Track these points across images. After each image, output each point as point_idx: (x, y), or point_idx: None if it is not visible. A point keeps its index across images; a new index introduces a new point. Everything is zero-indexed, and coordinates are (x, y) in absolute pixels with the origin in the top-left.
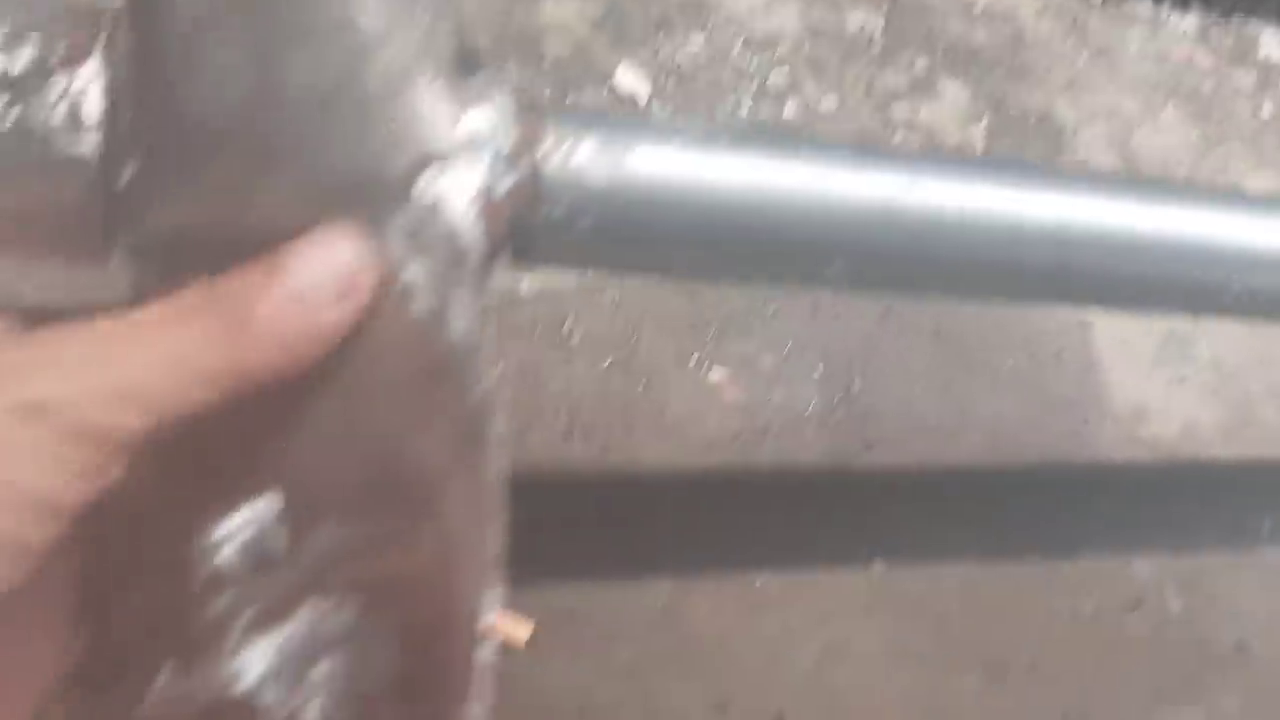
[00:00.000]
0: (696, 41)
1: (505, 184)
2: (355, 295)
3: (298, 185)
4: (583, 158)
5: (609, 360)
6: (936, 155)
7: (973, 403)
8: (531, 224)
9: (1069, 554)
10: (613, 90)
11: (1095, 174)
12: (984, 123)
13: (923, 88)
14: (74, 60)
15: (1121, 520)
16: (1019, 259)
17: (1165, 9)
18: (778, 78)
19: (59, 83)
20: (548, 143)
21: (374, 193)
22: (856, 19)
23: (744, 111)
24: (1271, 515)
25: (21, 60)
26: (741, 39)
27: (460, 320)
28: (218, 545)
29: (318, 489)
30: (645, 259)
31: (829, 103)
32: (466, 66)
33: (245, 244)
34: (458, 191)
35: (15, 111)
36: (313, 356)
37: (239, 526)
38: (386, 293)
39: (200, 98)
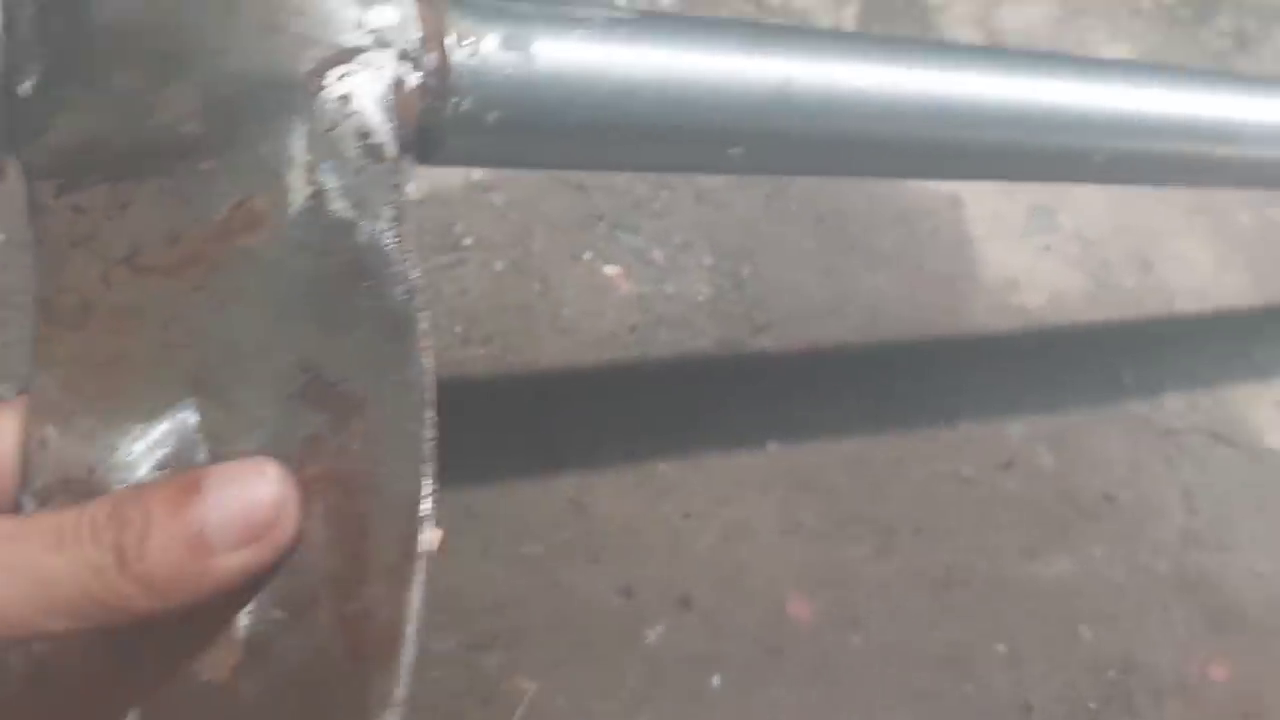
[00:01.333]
0: None
1: (414, 79)
2: (265, 542)
3: (202, 89)
4: (488, 50)
5: (502, 263)
6: (824, 34)
7: (854, 281)
8: (439, 119)
9: (949, 421)
10: None
11: (971, 47)
12: (854, 7)
13: None
14: None
15: (995, 386)
16: (907, 133)
17: None
18: None
19: None
20: (452, 36)
21: (280, 93)
22: None
23: (621, 1)
24: (1131, 368)
25: None
26: None
27: (377, 219)
28: (134, 461)
29: (238, 397)
30: (552, 152)
31: None
32: None
33: (146, 154)
34: (366, 87)
35: None
36: (194, 601)
37: (157, 439)
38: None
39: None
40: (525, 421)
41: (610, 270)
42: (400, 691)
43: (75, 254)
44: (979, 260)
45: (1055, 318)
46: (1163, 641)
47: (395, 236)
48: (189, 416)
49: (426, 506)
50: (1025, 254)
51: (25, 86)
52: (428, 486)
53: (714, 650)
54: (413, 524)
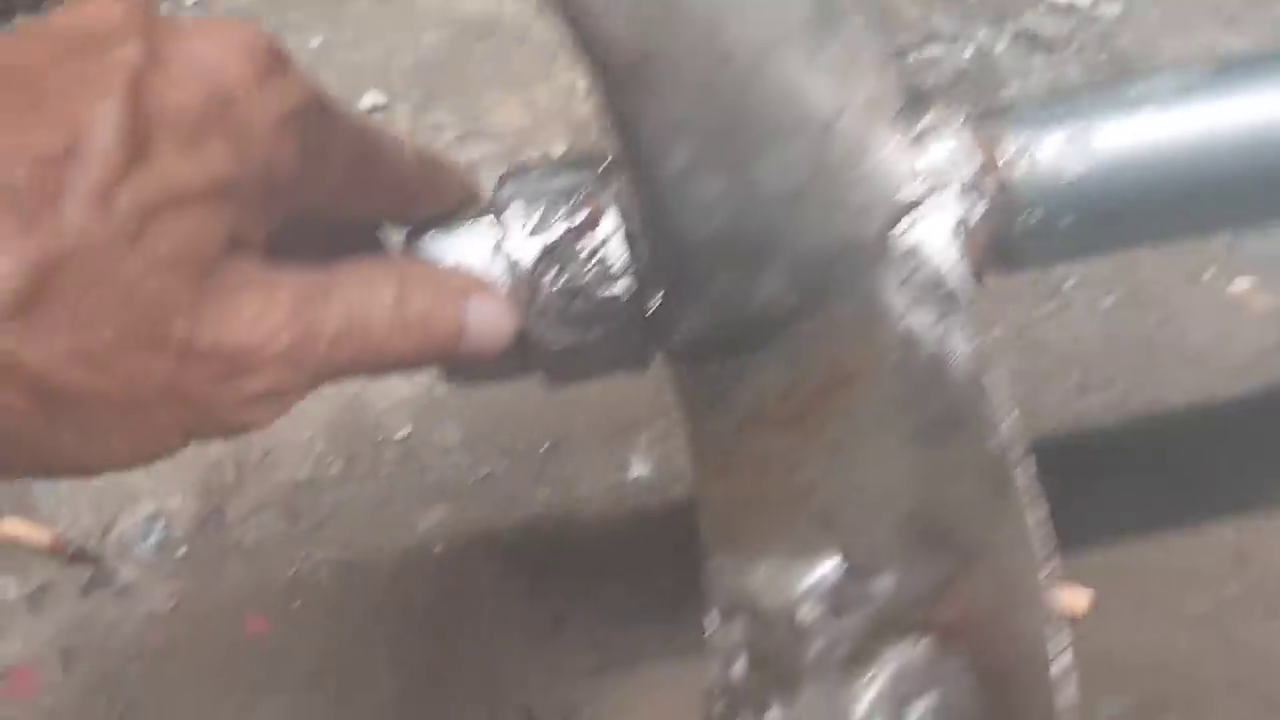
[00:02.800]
0: None
1: (978, 209)
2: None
3: (787, 271)
4: (1047, 156)
5: (1111, 298)
6: None
7: None
8: (1010, 237)
9: None
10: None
11: None
12: None
13: None
14: (592, 222)
15: None
16: None
17: None
18: None
19: (586, 244)
20: (1009, 153)
21: (855, 259)
22: None
23: None
24: None
25: (555, 233)
26: None
27: (964, 360)
28: (800, 600)
29: (866, 537)
30: (1129, 236)
31: None
32: (916, 104)
33: (754, 330)
34: (933, 234)
35: (563, 278)
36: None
37: (815, 582)
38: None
39: (694, 226)
40: (1164, 468)
41: (1239, 286)
42: None
43: (712, 413)
44: None
45: None
46: None
47: (984, 375)
48: (833, 558)
49: (1063, 662)
50: None
51: (653, 304)
52: (1059, 643)
53: None
54: (1047, 681)
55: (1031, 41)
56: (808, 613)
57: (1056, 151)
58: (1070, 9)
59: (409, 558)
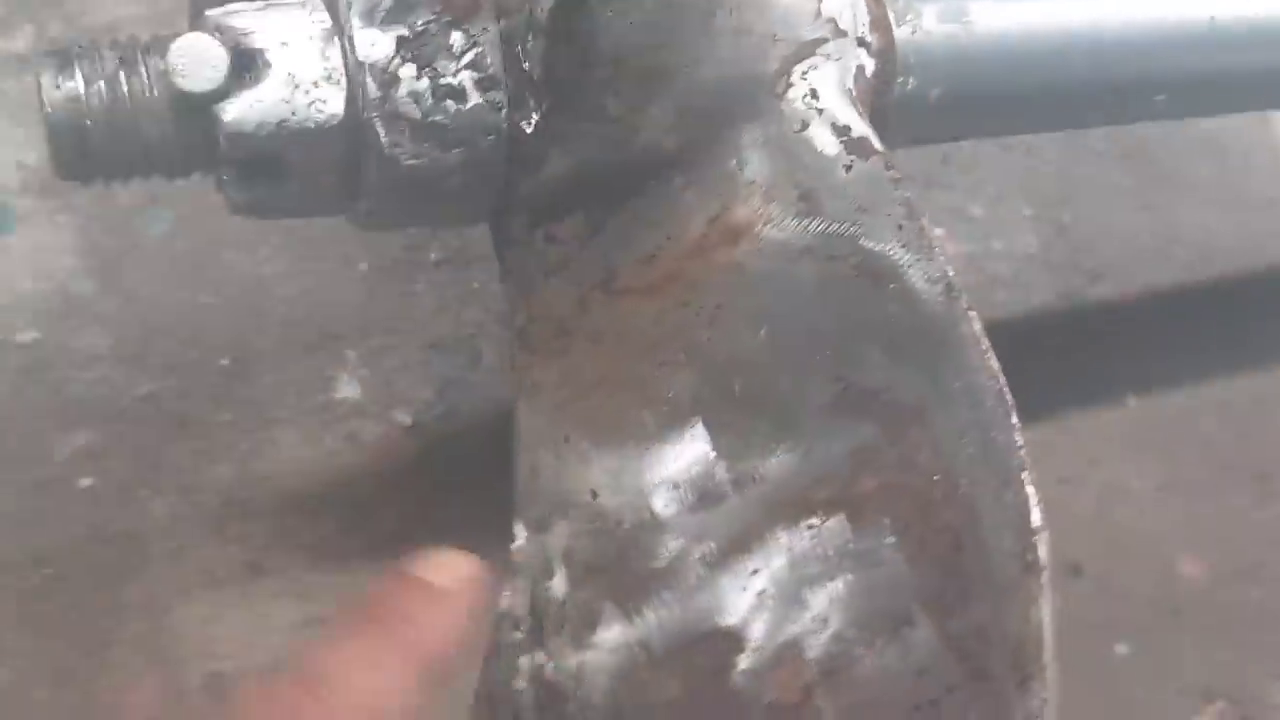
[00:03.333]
0: None
1: (870, 65)
2: None
3: (680, 103)
4: (929, 25)
5: None
6: None
7: (1176, 216)
8: (885, 103)
9: None
10: None
11: None
12: None
13: None
14: (467, 12)
15: None
16: None
17: None
18: None
19: (455, 41)
20: (891, 13)
21: (749, 97)
22: None
23: None
24: None
25: (417, 22)
26: None
27: (887, 216)
28: (654, 491)
29: (755, 414)
30: (988, 122)
31: None
32: None
33: (624, 177)
34: (832, 80)
35: (423, 79)
36: None
37: (669, 463)
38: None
39: (610, 28)
40: None
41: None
42: (1050, 712)
43: (550, 283)
44: None
45: None
46: None
47: (914, 231)
48: (699, 438)
49: (1037, 517)
50: None
51: (529, 123)
52: (1033, 496)
53: (1113, 616)
54: (1025, 536)
55: None
56: (665, 506)
57: (935, 21)
58: None
59: (46, 494)
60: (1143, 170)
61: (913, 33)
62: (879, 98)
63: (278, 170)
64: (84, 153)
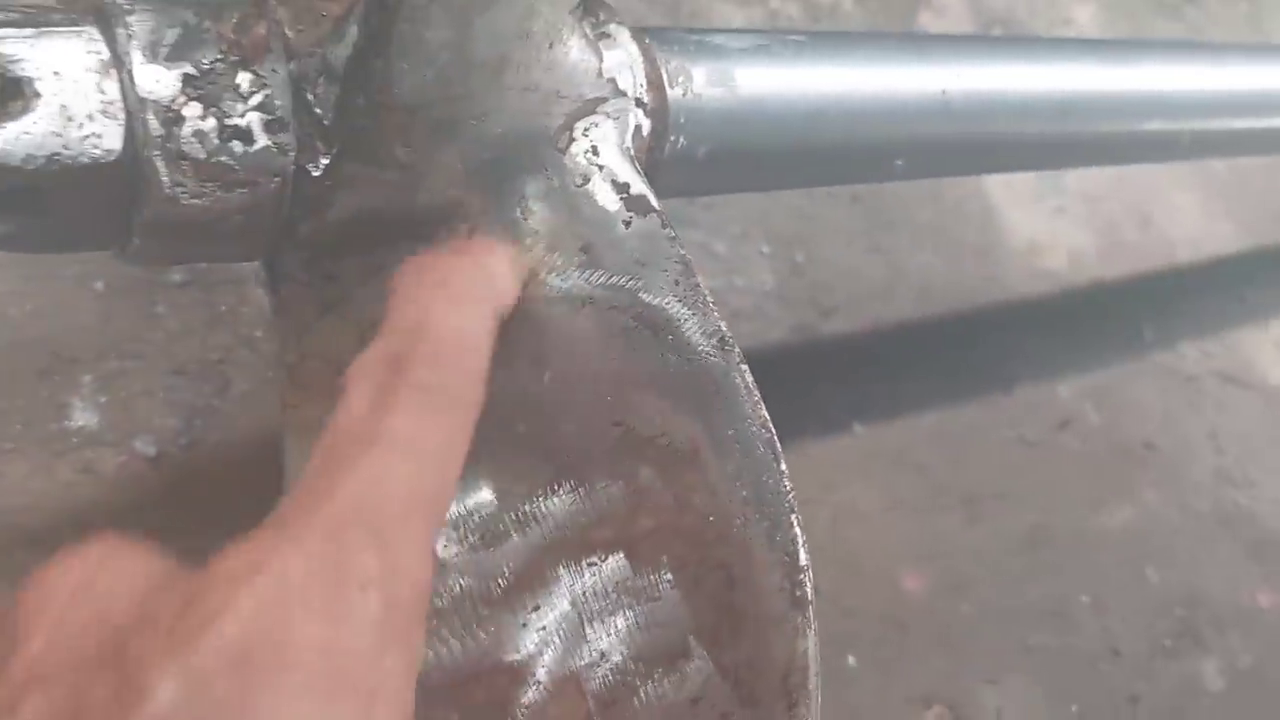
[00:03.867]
0: None
1: (646, 124)
2: None
3: (466, 154)
4: (698, 88)
5: None
6: (961, 41)
7: (900, 257)
8: (657, 160)
9: (1006, 387)
10: None
11: (1084, 41)
12: None
13: None
14: (256, 53)
15: (1039, 349)
16: (1045, 129)
17: None
18: None
19: (243, 81)
20: (665, 76)
21: (532, 151)
22: None
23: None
24: (1149, 321)
25: (202, 60)
26: None
27: (663, 271)
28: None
29: (537, 454)
30: (748, 179)
31: None
32: (586, 5)
33: (409, 223)
34: (612, 138)
35: (209, 119)
36: None
37: (460, 514)
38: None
39: (407, 75)
40: None
41: None
42: None
43: (325, 321)
44: (1004, 228)
45: (1076, 277)
46: (1215, 576)
47: (690, 287)
48: (482, 477)
49: (804, 556)
50: (1042, 217)
51: (316, 165)
52: (799, 535)
53: (844, 630)
54: (794, 573)
55: None
56: (445, 547)
57: (704, 83)
58: None
59: None
60: (871, 214)
61: (684, 94)
62: (652, 154)
63: (39, 204)
64: None
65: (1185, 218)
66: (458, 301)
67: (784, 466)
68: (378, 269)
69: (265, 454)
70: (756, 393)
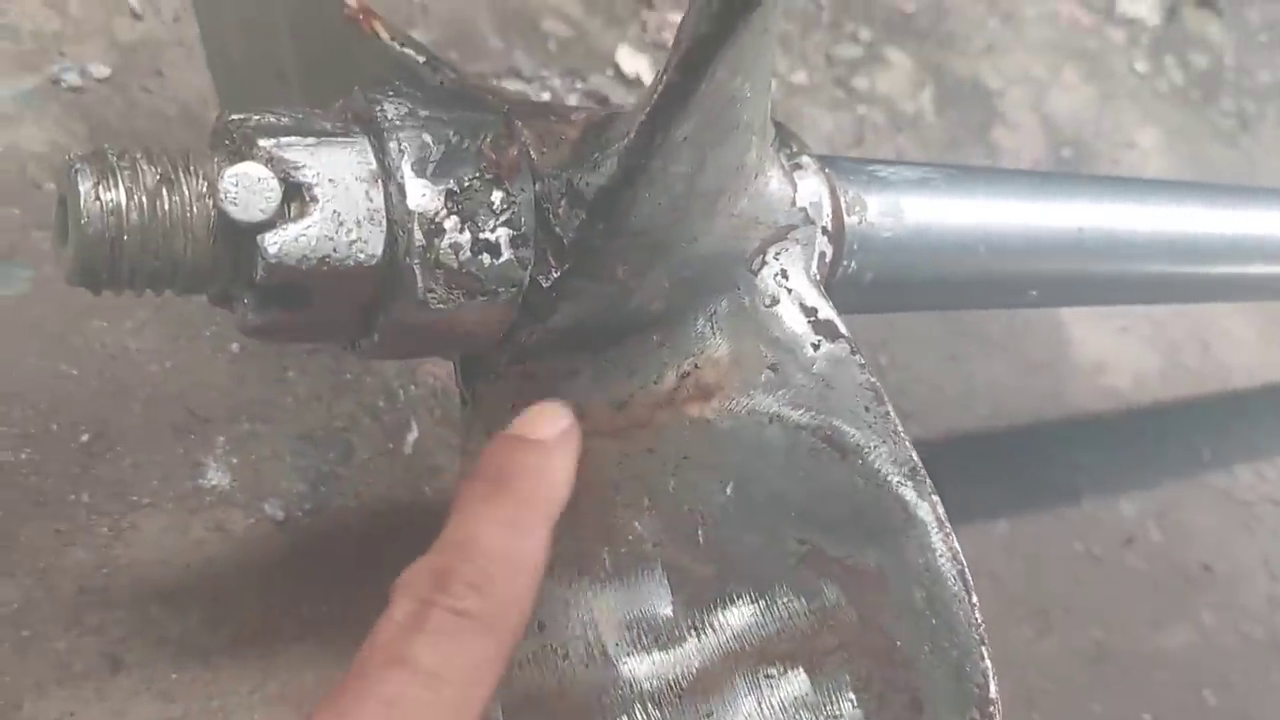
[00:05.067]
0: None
1: (829, 252)
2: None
3: (672, 272)
4: (872, 217)
5: None
6: (1098, 182)
7: (974, 367)
8: (830, 283)
9: (1072, 500)
10: (617, 71)
11: (1187, 186)
12: (930, 90)
13: (874, 58)
14: (509, 174)
15: (1104, 466)
16: (1161, 270)
17: None
18: None
19: (496, 199)
20: (844, 205)
21: (727, 271)
22: None
23: None
24: (1207, 444)
25: (462, 178)
26: None
27: (853, 397)
28: (600, 626)
29: (712, 560)
30: (902, 301)
31: (800, 77)
32: (781, 138)
33: (608, 332)
34: (800, 262)
35: (464, 233)
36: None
37: (622, 594)
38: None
39: (642, 207)
40: None
41: None
42: None
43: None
44: (1070, 343)
45: (1139, 397)
46: (1271, 703)
47: (880, 415)
48: (660, 581)
49: (994, 689)
50: (1107, 335)
51: (547, 278)
52: (989, 668)
53: None
54: (984, 706)
55: (601, 103)
56: (616, 645)
57: (877, 215)
58: (636, 80)
59: None
60: (949, 324)
61: (859, 223)
62: (828, 278)
63: (303, 301)
64: (113, 265)
65: (1243, 346)
66: (512, 524)
67: (975, 599)
68: (574, 372)
69: (383, 524)
70: (948, 525)
